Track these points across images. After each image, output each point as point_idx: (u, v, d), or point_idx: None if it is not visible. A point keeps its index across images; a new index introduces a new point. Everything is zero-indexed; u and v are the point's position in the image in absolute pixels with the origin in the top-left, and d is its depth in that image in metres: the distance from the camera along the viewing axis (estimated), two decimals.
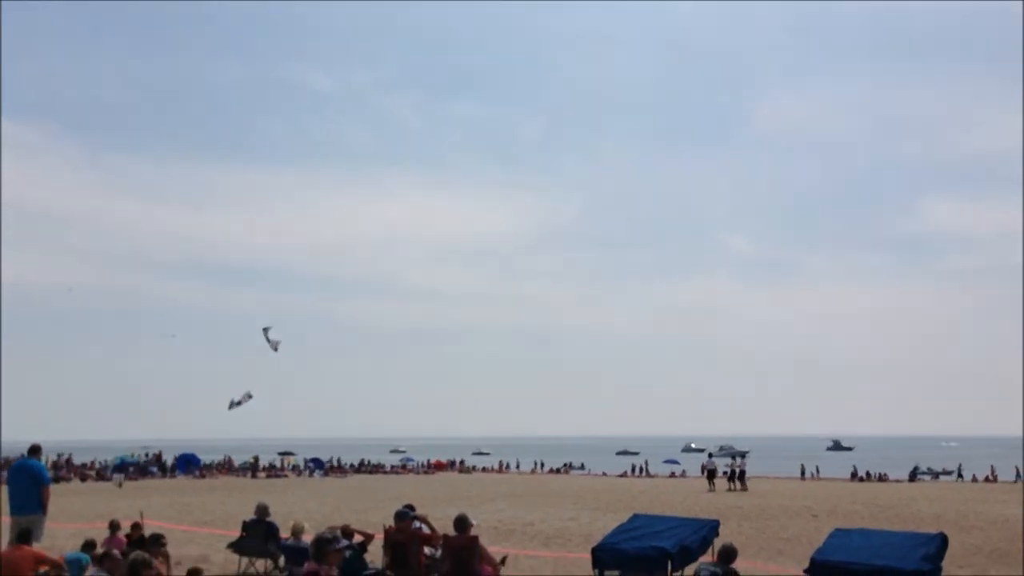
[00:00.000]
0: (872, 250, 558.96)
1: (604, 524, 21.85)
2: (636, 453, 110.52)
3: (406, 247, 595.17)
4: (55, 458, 59.37)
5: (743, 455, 65.51)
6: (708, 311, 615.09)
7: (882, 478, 57.81)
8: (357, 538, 13.54)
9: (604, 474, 65.74)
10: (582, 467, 76.02)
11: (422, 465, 71.98)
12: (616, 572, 8.52)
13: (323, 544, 7.90)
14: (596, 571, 8.44)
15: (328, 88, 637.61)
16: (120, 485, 43.26)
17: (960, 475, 58.31)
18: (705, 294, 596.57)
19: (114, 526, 14.17)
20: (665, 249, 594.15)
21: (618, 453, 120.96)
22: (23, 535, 12.04)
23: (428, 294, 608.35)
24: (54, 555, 12.35)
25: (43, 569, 11.52)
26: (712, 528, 8.95)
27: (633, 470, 67.77)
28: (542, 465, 75.48)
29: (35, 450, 14.32)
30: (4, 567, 11.33)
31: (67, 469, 53.63)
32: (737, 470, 42.95)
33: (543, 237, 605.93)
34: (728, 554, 9.71)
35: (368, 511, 26.10)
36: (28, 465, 14.05)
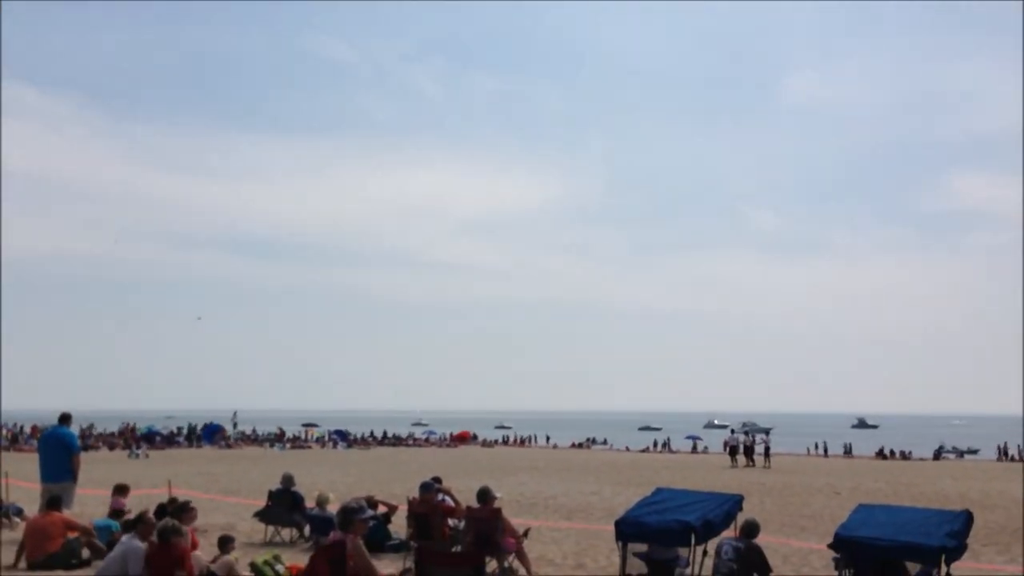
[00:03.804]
0: (897, 225, 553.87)
1: (626, 498, 21.90)
2: (658, 429, 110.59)
3: (428, 220, 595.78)
4: (121, 428, 60.37)
5: (766, 432, 65.45)
6: (732, 286, 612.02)
7: (905, 456, 57.62)
8: (381, 509, 13.69)
9: (627, 449, 65.88)
10: (604, 442, 76.20)
11: (444, 438, 72.38)
12: (639, 545, 8.53)
13: (349, 514, 7.96)
14: (619, 544, 8.46)
15: (349, 59, 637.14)
16: (147, 456, 43.78)
17: (1005, 454, 57.28)
18: (729, 269, 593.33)
19: (119, 489, 14.41)
20: (689, 224, 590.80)
21: (640, 428, 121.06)
22: (53, 502, 12.29)
23: (450, 268, 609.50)
24: (84, 521, 12.59)
25: (73, 535, 11.75)
26: (736, 503, 8.94)
27: (655, 445, 67.88)
28: (548, 440, 75.76)
29: (65, 418, 14.51)
30: (35, 533, 11.57)
31: (95, 438, 54.37)
32: (764, 446, 42.96)
33: (566, 211, 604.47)
34: (751, 529, 9.72)
35: (391, 483, 26.29)
36: (59, 434, 14.25)
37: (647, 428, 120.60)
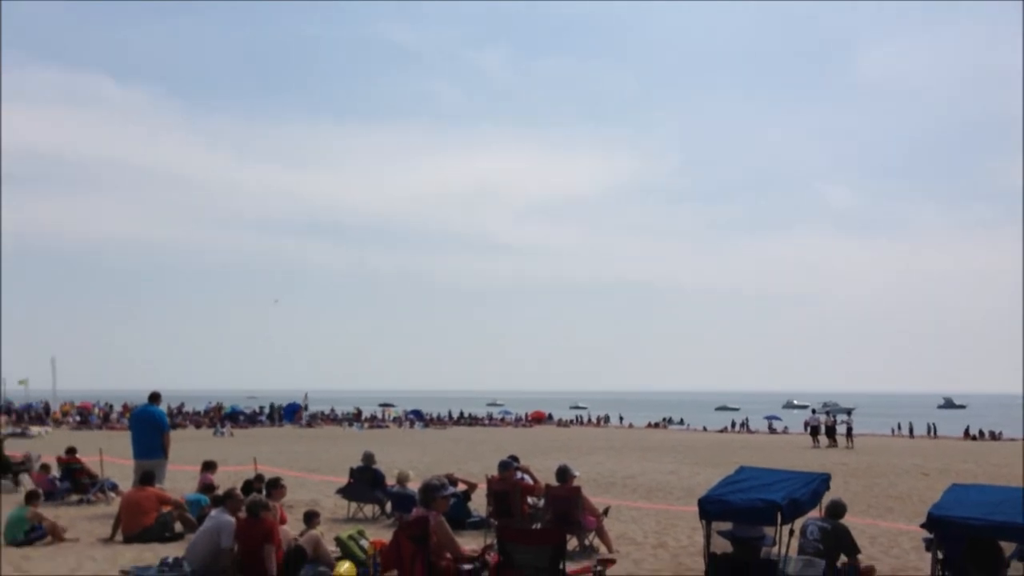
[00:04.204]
0: (978, 202, 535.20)
1: (706, 478, 21.71)
2: (736, 409, 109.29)
3: (497, 203, 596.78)
4: (208, 407, 61.97)
5: (848, 412, 64.21)
6: (809, 265, 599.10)
7: (995, 436, 55.88)
8: (461, 487, 13.79)
9: (704, 429, 65.30)
10: (680, 422, 75.63)
11: (519, 418, 72.67)
12: (723, 524, 8.41)
13: (431, 491, 8.05)
14: (703, 522, 8.33)
15: (417, 45, 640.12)
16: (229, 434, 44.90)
17: None
18: (806, 248, 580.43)
19: (208, 465, 14.88)
20: (765, 202, 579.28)
21: (717, 409, 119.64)
22: (146, 477, 12.72)
23: (520, 250, 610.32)
24: (176, 496, 12.99)
25: (166, 509, 12.14)
26: (823, 481, 8.70)
27: (732, 426, 67.17)
28: (622, 420, 75.50)
29: (155, 397, 14.98)
30: (130, 507, 11.98)
31: (181, 416, 55.99)
32: (846, 426, 42.20)
33: (637, 192, 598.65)
34: (837, 509, 9.49)
35: (468, 461, 26.53)
36: (149, 412, 14.73)
37: (724, 408, 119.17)
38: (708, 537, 8.37)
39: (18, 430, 40.51)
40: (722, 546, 8.55)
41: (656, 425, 70.87)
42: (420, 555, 7.60)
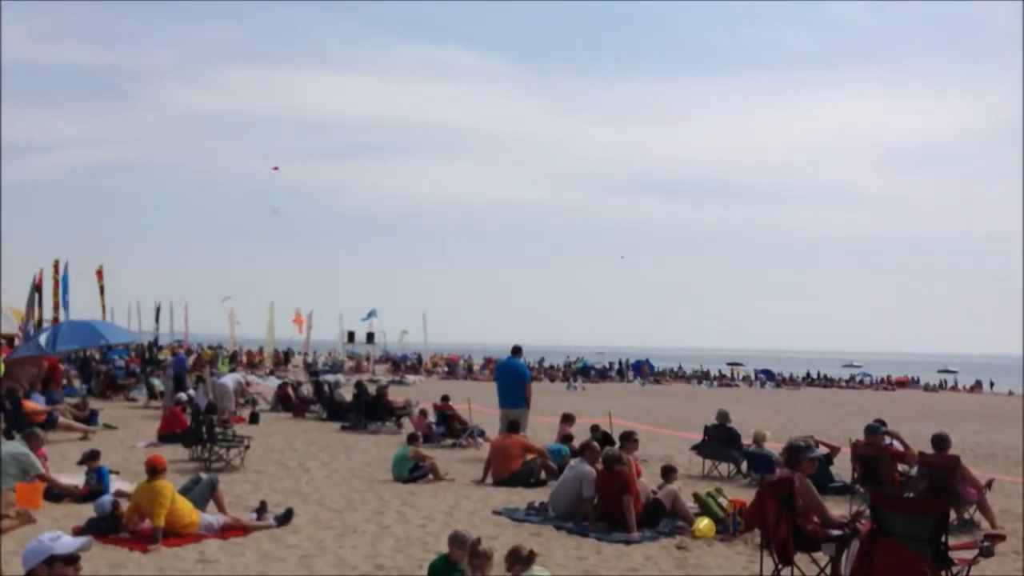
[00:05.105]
0: None
1: None
2: None
3: (855, 153, 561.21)
4: (566, 362, 65.27)
5: None
6: None
7: None
8: (822, 449, 13.18)
9: None
10: None
11: (880, 381, 68.22)
12: None
13: (797, 452, 7.74)
14: None
15: None
16: (580, 389, 46.59)
17: None
18: None
19: (567, 417, 15.34)
20: None
21: None
22: (512, 425, 13.54)
23: (880, 201, 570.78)
24: (539, 445, 13.69)
25: (531, 456, 12.83)
26: None
27: None
28: (992, 385, 67.85)
29: (517, 350, 15.86)
30: (499, 453, 12.84)
31: (538, 370, 59.00)
32: None
33: (1013, 134, 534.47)
34: None
35: (826, 424, 25.37)
36: (512, 364, 15.64)
37: None
38: None
39: (397, 378, 45.04)
40: None
41: None
42: (785, 516, 7.32)
